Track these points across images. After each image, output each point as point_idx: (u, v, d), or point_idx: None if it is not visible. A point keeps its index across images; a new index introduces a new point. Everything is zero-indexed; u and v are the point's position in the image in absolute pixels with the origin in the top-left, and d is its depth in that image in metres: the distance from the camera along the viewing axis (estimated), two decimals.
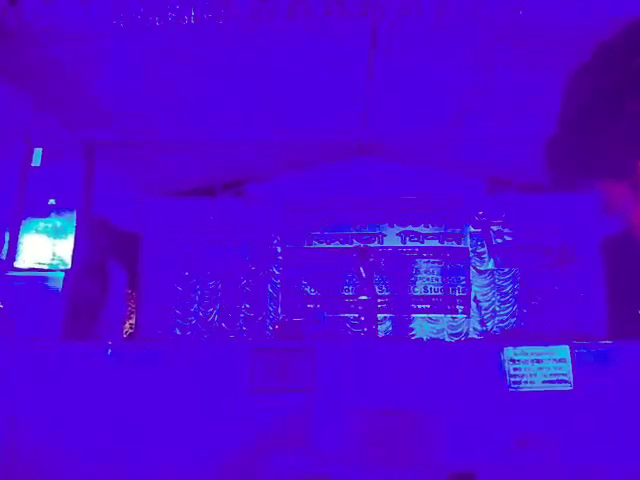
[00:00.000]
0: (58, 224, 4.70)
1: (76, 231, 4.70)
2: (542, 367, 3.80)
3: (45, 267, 4.63)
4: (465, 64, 7.14)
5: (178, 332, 10.25)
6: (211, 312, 10.45)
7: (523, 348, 3.90)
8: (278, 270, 10.59)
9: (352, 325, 10.12)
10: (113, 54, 6.33)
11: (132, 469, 3.64)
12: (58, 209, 4.74)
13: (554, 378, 3.77)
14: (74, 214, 4.73)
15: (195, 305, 10.44)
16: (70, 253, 4.64)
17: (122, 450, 3.68)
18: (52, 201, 4.72)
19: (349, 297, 10.33)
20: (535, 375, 3.79)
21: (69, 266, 4.61)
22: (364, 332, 8.57)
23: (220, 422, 3.70)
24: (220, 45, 6.53)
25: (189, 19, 4.81)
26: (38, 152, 4.80)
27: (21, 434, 3.70)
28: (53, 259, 4.64)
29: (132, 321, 11.05)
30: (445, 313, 10.20)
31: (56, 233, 4.69)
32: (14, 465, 3.60)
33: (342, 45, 6.88)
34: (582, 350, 3.91)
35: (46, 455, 3.62)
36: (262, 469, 3.39)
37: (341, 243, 10.67)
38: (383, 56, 7.30)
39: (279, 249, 10.68)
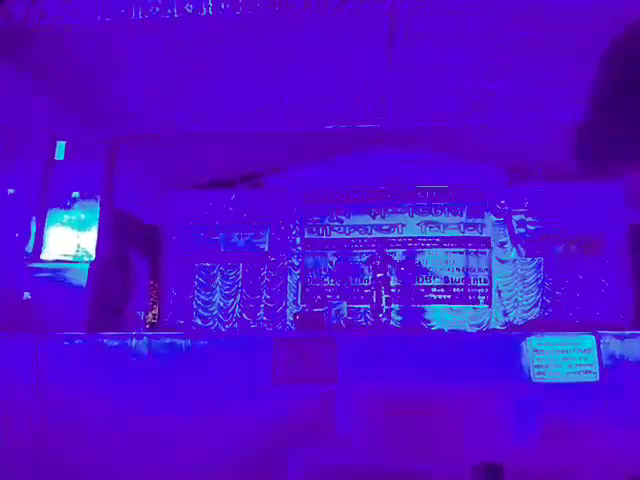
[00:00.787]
0: (82, 216, 4.77)
1: (99, 223, 4.77)
2: (567, 357, 3.74)
3: (70, 259, 4.71)
4: (486, 46, 6.99)
5: (199, 322, 10.38)
6: (232, 302, 10.54)
7: (547, 338, 3.84)
8: (297, 261, 10.61)
9: (372, 315, 10.11)
10: (132, 50, 6.37)
11: (159, 452, 3.72)
12: (82, 202, 4.81)
13: (579, 368, 3.71)
14: (97, 207, 4.80)
15: (216, 295, 10.55)
16: (94, 245, 4.72)
17: (148, 434, 3.75)
18: (76, 194, 4.79)
19: (369, 287, 10.30)
20: (560, 365, 3.73)
21: (93, 258, 4.69)
22: (384, 322, 8.54)
23: (242, 411, 3.74)
24: (237, 36, 6.52)
25: (207, 10, 4.80)
26: (61, 146, 4.87)
27: (52, 420, 3.79)
28: (78, 251, 4.72)
29: (155, 311, 11.23)
30: (467, 304, 10.10)
31: (80, 225, 4.77)
32: (44, 447, 3.70)
33: (360, 30, 6.80)
34: (608, 340, 3.83)
35: (76, 438, 3.73)
36: (284, 459, 3.42)
37: (360, 234, 10.63)
38: (401, 40, 7.21)
39: (298, 240, 10.69)
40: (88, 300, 4.55)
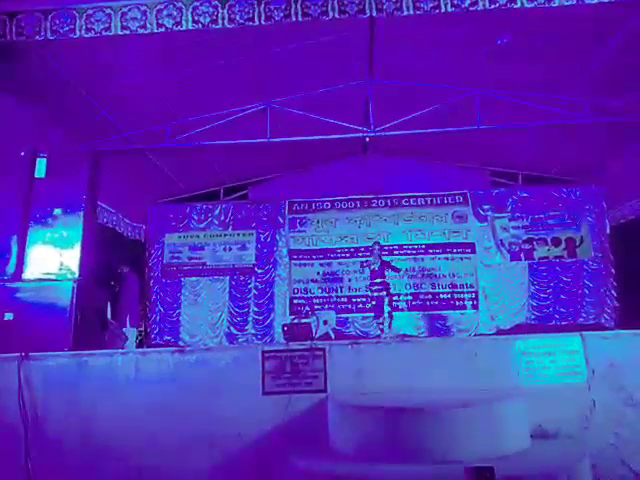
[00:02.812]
0: (64, 234, 4.70)
1: (82, 240, 4.69)
2: (554, 359, 3.78)
3: (53, 277, 4.63)
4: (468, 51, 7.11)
5: (187, 338, 10.28)
6: (219, 316, 10.46)
7: (534, 341, 3.87)
8: (285, 272, 10.59)
9: (361, 324, 10.12)
10: (114, 65, 6.36)
11: (148, 469, 3.66)
12: (64, 219, 4.74)
13: (567, 370, 3.75)
14: (80, 223, 4.73)
15: (203, 310, 10.46)
16: (77, 263, 4.64)
17: (137, 452, 3.69)
18: (58, 211, 4.72)
19: (356, 297, 10.32)
20: (548, 367, 3.76)
21: (77, 276, 4.61)
22: (373, 331, 8.56)
23: (232, 425, 3.70)
24: (219, 49, 6.55)
25: (186, 24, 4.82)
26: (42, 162, 4.80)
27: (37, 441, 3.71)
28: (61, 269, 4.64)
29: (141, 328, 11.09)
30: (454, 309, 10.17)
31: (63, 243, 4.69)
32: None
33: (340, 40, 6.88)
34: (594, 341, 3.87)
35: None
36: (276, 471, 3.39)
37: (346, 243, 10.65)
38: (381, 48, 7.31)
39: (284, 250, 10.68)
40: (72, 318, 4.46)
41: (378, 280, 8.31)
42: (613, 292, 9.88)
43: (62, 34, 4.80)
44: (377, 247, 8.74)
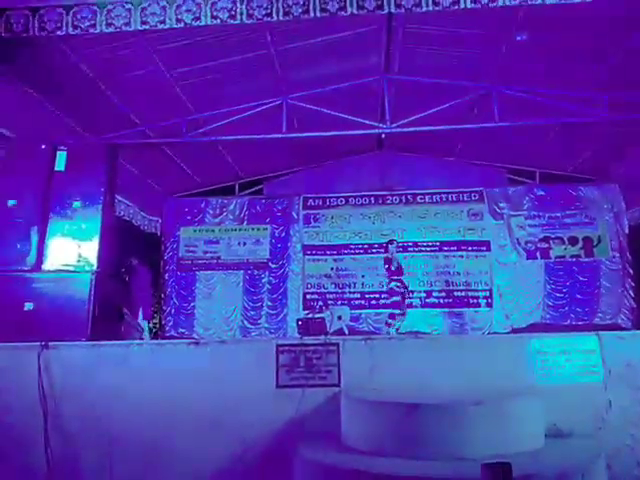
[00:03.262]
0: (83, 226, 4.76)
1: (101, 233, 4.76)
2: (570, 359, 3.74)
3: (72, 269, 4.70)
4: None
5: (201, 330, 10.37)
6: (233, 310, 10.53)
7: (550, 340, 3.84)
8: (298, 267, 10.62)
9: (374, 320, 10.11)
10: (132, 60, 6.43)
11: (164, 456, 3.72)
12: (83, 211, 4.81)
13: (583, 370, 3.71)
14: (99, 216, 4.79)
15: (217, 303, 10.54)
16: (96, 255, 4.71)
17: (151, 441, 3.75)
18: (77, 204, 4.79)
19: (370, 292, 10.32)
20: (563, 367, 3.73)
21: (95, 267, 4.67)
22: (387, 327, 8.54)
23: (246, 417, 3.74)
24: (237, 45, 6.58)
25: (205, 19, 4.85)
26: (62, 155, 4.87)
27: (55, 431, 3.79)
28: (79, 261, 4.71)
29: (156, 320, 11.22)
30: (468, 307, 10.11)
31: (81, 235, 4.76)
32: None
33: (357, 35, 6.87)
34: (611, 340, 3.83)
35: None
36: (288, 463, 3.42)
37: (360, 239, 10.64)
38: (398, 44, 7.28)
39: (298, 246, 10.71)
40: (90, 309, 4.53)
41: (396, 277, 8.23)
42: (631, 292, 9.73)
43: (83, 29, 4.86)
44: (394, 244, 8.62)
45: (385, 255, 8.69)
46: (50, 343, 4.02)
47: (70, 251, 4.72)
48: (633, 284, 9.76)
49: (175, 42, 6.24)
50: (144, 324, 7.78)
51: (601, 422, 3.61)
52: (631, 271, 9.80)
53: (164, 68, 6.74)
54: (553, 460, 3.01)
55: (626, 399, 3.65)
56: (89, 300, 4.55)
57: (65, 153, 4.89)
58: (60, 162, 4.86)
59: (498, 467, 1.19)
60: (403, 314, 7.97)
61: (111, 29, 4.83)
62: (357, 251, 10.62)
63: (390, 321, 8.16)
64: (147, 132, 8.29)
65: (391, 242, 8.61)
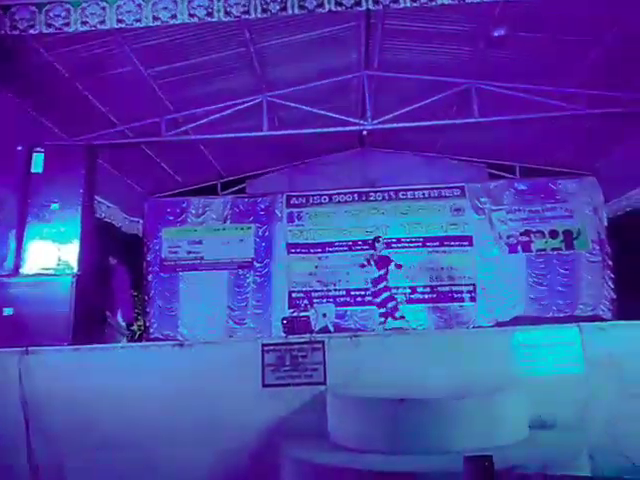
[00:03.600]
0: (62, 229, 4.69)
1: (80, 235, 4.69)
2: (553, 351, 3.80)
3: (52, 272, 4.63)
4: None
5: (186, 332, 10.27)
6: (218, 311, 10.45)
7: (532, 333, 3.89)
8: (283, 266, 10.59)
9: (360, 317, 10.14)
10: (108, 59, 6.33)
11: (149, 460, 3.68)
12: (61, 214, 4.73)
13: (565, 361, 3.77)
14: (78, 218, 4.72)
15: (201, 304, 10.45)
16: (76, 257, 4.64)
17: (136, 444, 3.70)
18: (55, 206, 4.72)
19: (356, 290, 10.33)
20: (546, 359, 3.78)
21: (75, 270, 4.61)
22: (372, 324, 8.57)
23: (233, 417, 3.72)
24: (215, 42, 6.52)
25: (182, 17, 4.79)
26: (39, 157, 4.79)
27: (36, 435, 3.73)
28: (59, 264, 4.64)
29: (140, 323, 11.10)
30: (452, 302, 10.20)
31: (61, 238, 4.69)
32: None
33: (337, 31, 6.88)
34: (591, 331, 3.89)
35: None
36: (276, 462, 3.42)
37: (344, 236, 10.65)
38: (378, 39, 7.29)
39: (283, 244, 10.67)
40: (71, 313, 4.47)
41: (381, 273, 8.22)
42: (610, 284, 9.91)
43: (57, 27, 4.77)
44: (380, 240, 8.59)
45: (369, 252, 8.69)
46: (30, 348, 3.95)
47: (49, 254, 4.65)
48: (612, 276, 9.94)
49: (152, 40, 6.15)
50: (125, 326, 7.67)
51: (584, 413, 3.67)
52: (610, 263, 9.98)
53: (142, 67, 6.64)
54: (537, 451, 3.05)
55: (608, 389, 3.72)
56: (70, 304, 4.50)
57: (42, 155, 4.82)
58: (37, 164, 4.79)
59: (480, 460, 1.20)
60: (402, 317, 8.01)
61: (86, 27, 4.74)
62: (341, 248, 10.62)
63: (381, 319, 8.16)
64: (126, 132, 8.17)
65: (377, 239, 8.60)
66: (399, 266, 8.37)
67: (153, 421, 3.77)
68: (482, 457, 1.23)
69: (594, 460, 3.29)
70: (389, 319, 7.91)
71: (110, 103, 7.40)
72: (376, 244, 8.52)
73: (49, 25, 4.76)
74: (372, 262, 8.25)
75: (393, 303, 8.04)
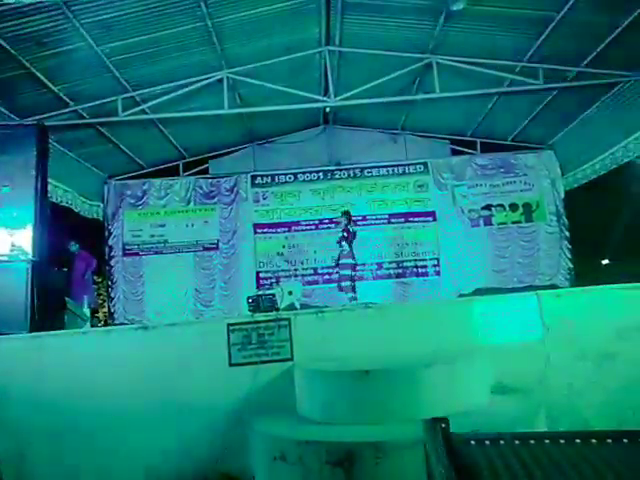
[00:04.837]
0: (14, 213, 4.49)
1: (34, 219, 4.51)
2: (511, 318, 3.92)
3: (5, 259, 4.45)
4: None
5: (153, 316, 10.13)
6: (185, 293, 10.35)
7: (492, 302, 4.00)
8: (249, 246, 10.53)
9: (328, 296, 10.20)
10: (57, 34, 6.03)
11: (117, 444, 3.65)
12: (13, 198, 4.53)
13: (524, 328, 3.90)
14: (31, 202, 4.52)
15: (167, 287, 10.31)
16: (30, 242, 4.47)
17: (102, 428, 3.66)
18: (6, 189, 4.51)
19: (322, 268, 10.39)
20: (506, 326, 3.90)
21: (30, 256, 4.44)
22: (338, 301, 8.63)
23: (201, 396, 3.71)
24: (170, 15, 6.30)
25: None
26: None
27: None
28: (12, 250, 4.46)
29: (105, 309, 10.89)
30: (417, 276, 10.39)
31: (13, 223, 4.49)
32: None
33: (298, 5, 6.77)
34: (548, 299, 4.02)
35: None
36: (244, 439, 3.44)
37: (311, 215, 10.65)
38: (338, 14, 7.21)
39: (249, 225, 10.60)
40: (28, 300, 4.32)
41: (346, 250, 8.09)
42: (567, 254, 10.28)
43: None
44: (346, 217, 8.39)
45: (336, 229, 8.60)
46: None
47: (2, 240, 4.46)
48: (569, 246, 10.30)
49: (102, 15, 5.90)
50: (86, 312, 7.52)
51: (541, 376, 3.82)
52: (567, 234, 10.33)
53: (93, 43, 6.36)
54: (498, 415, 3.16)
55: (563, 353, 3.87)
56: (27, 291, 4.34)
57: None
58: None
59: (436, 422, 1.23)
60: (355, 298, 7.98)
61: (29, 0, 4.49)
62: (308, 227, 10.63)
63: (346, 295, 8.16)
64: (81, 112, 7.86)
65: (347, 213, 8.35)
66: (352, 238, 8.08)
67: (118, 406, 3.71)
68: (438, 419, 1.27)
69: (550, 417, 3.44)
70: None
71: (62, 82, 7.09)
72: (342, 221, 8.34)
73: None
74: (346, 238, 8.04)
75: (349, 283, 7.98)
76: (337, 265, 8.25)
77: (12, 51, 6.04)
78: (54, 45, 6.21)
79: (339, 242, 8.06)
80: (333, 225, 9.70)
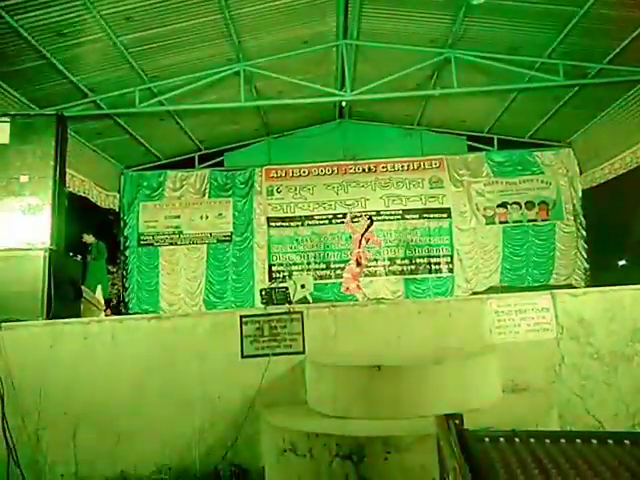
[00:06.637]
0: (33, 202, 4.56)
1: (52, 208, 4.57)
2: (525, 317, 3.89)
3: (23, 247, 4.51)
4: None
5: (166, 306, 10.25)
6: (198, 285, 10.43)
7: (506, 300, 3.97)
8: (263, 239, 10.56)
9: (339, 290, 10.20)
10: (78, 25, 6.08)
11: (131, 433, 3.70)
12: (32, 187, 4.58)
13: (538, 327, 3.86)
14: (49, 191, 4.58)
15: (181, 278, 10.40)
16: (48, 231, 4.52)
17: (116, 416, 3.71)
18: (25, 179, 4.57)
19: (335, 262, 10.38)
20: (519, 325, 3.87)
21: (48, 244, 4.50)
22: (350, 296, 8.62)
23: (215, 389, 3.74)
24: (189, 7, 6.31)
25: None
26: (5, 127, 4.61)
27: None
28: (31, 238, 4.52)
29: (119, 298, 11.01)
30: (430, 273, 10.33)
31: (32, 211, 4.56)
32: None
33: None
34: (563, 298, 3.98)
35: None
36: (255, 430, 3.46)
37: (325, 209, 10.64)
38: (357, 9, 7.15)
39: (262, 218, 10.62)
40: (45, 288, 4.38)
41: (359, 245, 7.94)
42: (583, 254, 10.15)
43: None
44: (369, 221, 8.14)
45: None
46: (3, 324, 3.89)
47: (21, 228, 4.52)
48: (585, 246, 10.17)
49: (122, 6, 5.93)
50: (103, 301, 7.61)
51: (554, 376, 3.79)
52: (584, 233, 10.20)
53: (112, 34, 6.40)
54: (509, 413, 3.14)
55: (577, 353, 3.83)
56: (44, 279, 4.40)
57: (9, 124, 4.62)
58: (3, 134, 4.60)
59: (450, 418, 1.23)
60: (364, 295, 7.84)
61: None
62: (321, 221, 10.62)
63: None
64: (99, 103, 7.93)
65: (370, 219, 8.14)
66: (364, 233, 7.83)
67: (131, 395, 3.77)
68: (452, 415, 1.26)
69: (563, 418, 3.42)
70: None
71: (81, 73, 7.15)
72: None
73: None
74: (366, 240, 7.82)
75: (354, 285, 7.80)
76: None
77: (33, 41, 6.10)
78: (74, 36, 6.26)
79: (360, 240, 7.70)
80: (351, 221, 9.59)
